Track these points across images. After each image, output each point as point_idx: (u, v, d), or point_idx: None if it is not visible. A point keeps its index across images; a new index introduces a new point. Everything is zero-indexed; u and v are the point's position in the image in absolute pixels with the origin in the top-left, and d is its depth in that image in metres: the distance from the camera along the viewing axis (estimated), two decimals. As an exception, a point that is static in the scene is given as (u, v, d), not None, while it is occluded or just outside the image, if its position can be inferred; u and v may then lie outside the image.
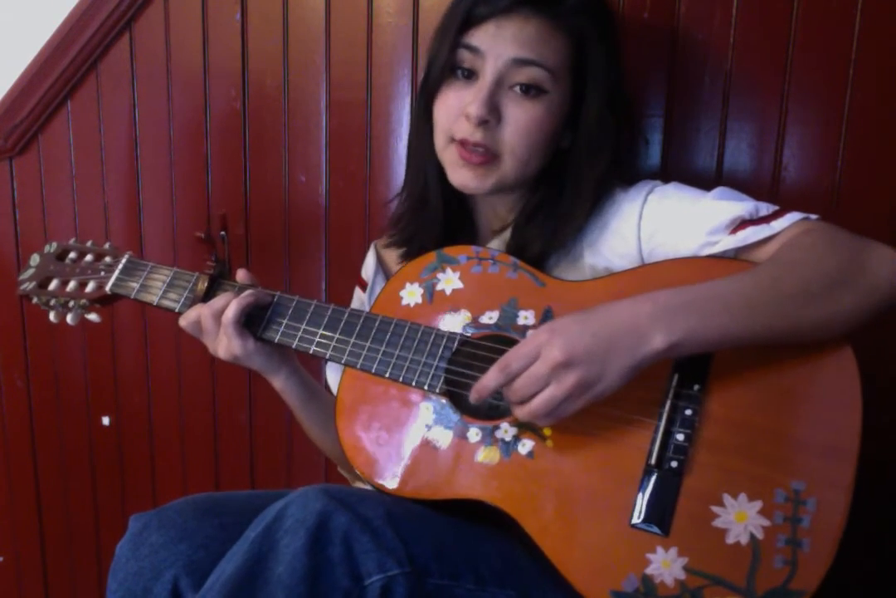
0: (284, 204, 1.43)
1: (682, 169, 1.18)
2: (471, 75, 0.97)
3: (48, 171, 1.59)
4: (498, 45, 0.94)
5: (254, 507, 0.87)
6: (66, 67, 1.48)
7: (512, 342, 0.90)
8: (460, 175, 0.98)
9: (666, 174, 1.17)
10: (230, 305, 0.95)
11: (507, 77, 0.95)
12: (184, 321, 0.99)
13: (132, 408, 1.64)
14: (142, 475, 1.67)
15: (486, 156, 0.96)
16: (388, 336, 0.93)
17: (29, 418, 1.72)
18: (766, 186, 1.15)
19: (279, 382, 1.04)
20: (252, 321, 0.98)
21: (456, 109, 0.97)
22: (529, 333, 0.90)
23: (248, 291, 0.98)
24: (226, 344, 0.97)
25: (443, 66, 0.97)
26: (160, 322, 1.57)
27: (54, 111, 1.54)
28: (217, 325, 0.96)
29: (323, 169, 1.39)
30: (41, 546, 1.79)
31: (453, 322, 0.94)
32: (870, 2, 1.07)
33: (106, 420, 1.66)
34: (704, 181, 1.13)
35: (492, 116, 0.94)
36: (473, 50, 0.95)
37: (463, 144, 0.96)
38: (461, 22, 0.95)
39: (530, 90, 0.95)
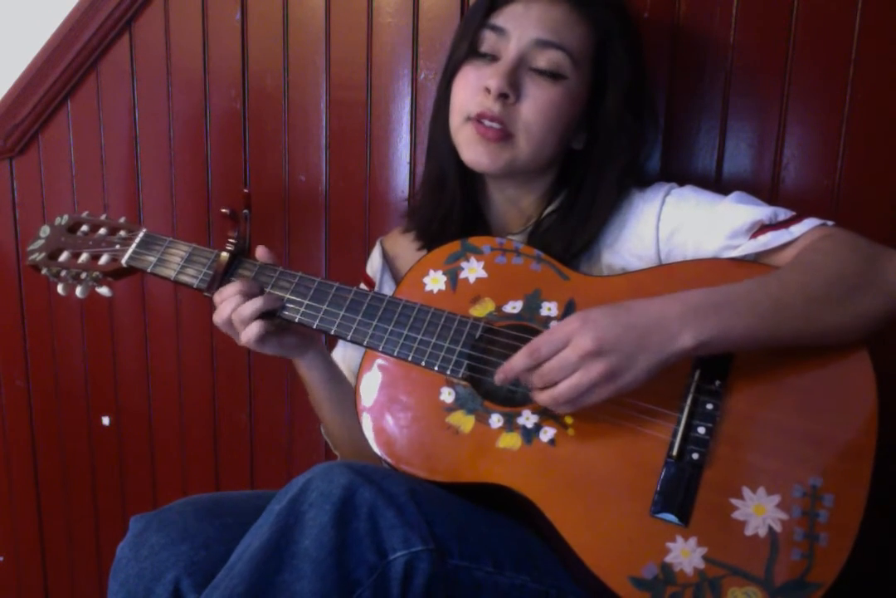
0: (284, 204, 1.43)
1: (682, 169, 1.18)
2: (493, 58, 0.97)
3: (48, 171, 1.59)
4: (522, 25, 0.95)
5: (255, 507, 0.87)
6: (66, 67, 1.48)
7: (535, 332, 0.90)
8: (474, 152, 0.98)
9: (666, 174, 1.17)
10: (254, 324, 0.95)
11: (529, 58, 0.96)
12: (218, 319, 0.98)
13: (132, 408, 1.64)
14: (142, 475, 1.67)
15: (502, 133, 0.96)
16: (410, 321, 0.94)
17: (29, 418, 1.72)
18: (766, 186, 1.14)
19: (305, 362, 1.06)
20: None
21: (475, 84, 0.97)
22: (553, 323, 0.91)
23: (266, 296, 0.96)
24: (255, 347, 0.98)
25: (466, 46, 0.98)
26: (161, 322, 1.57)
27: (54, 111, 1.54)
28: (244, 326, 0.96)
29: (323, 169, 1.39)
30: (41, 546, 1.79)
31: (476, 310, 0.94)
32: (870, 2, 1.07)
33: (106, 420, 1.66)
34: (704, 181, 1.13)
35: (511, 90, 0.95)
36: (498, 30, 0.96)
37: (480, 117, 0.96)
38: (489, 3, 0.97)
39: (550, 75, 0.96)
